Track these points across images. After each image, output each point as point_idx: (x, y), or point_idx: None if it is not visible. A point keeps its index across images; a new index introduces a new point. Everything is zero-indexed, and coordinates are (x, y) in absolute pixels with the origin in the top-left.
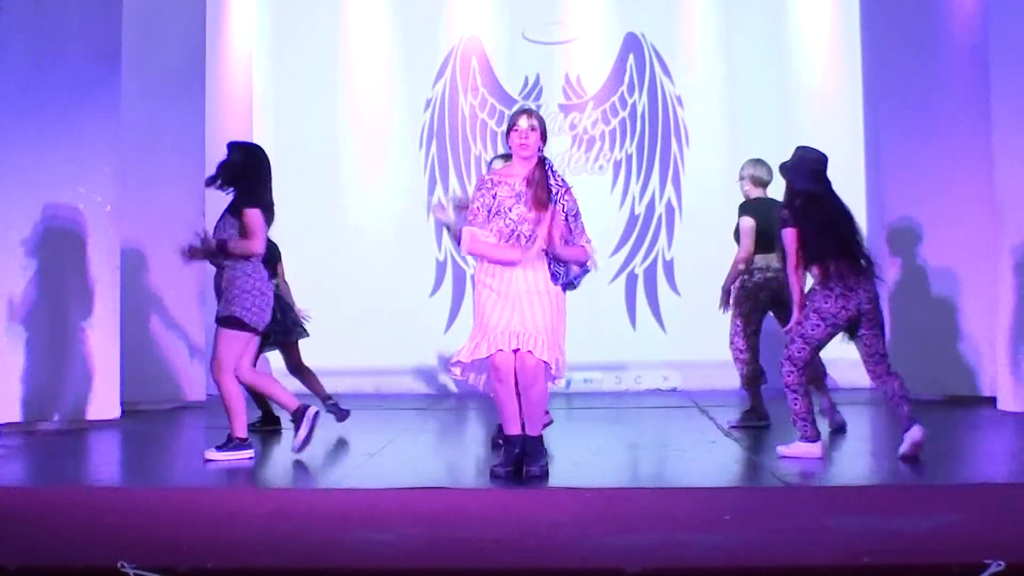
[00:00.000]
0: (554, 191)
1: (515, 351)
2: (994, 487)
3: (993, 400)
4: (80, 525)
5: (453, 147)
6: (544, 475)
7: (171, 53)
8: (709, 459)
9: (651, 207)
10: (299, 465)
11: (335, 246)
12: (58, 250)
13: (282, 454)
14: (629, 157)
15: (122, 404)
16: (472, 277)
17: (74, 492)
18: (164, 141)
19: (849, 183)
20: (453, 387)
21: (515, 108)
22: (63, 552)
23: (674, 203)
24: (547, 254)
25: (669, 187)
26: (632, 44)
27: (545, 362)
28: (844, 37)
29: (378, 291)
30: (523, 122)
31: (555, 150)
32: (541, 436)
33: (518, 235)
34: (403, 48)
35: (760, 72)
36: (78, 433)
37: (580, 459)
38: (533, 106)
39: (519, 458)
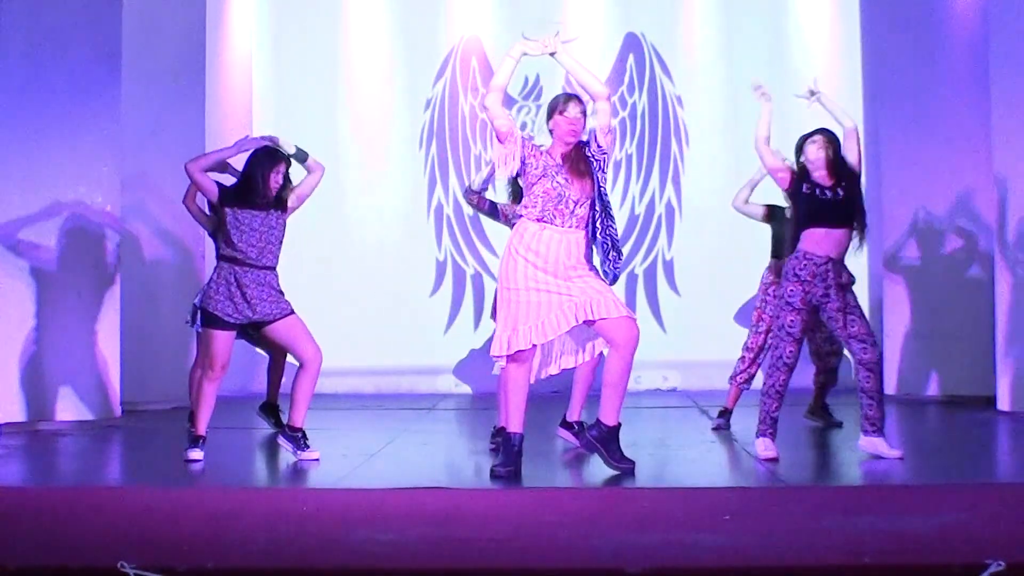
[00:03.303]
0: (594, 165)
1: (588, 322)
2: (994, 487)
3: (993, 400)
4: (80, 525)
5: (453, 147)
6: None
7: (171, 53)
8: (709, 459)
9: (651, 207)
10: (299, 465)
11: (335, 246)
12: (58, 250)
13: (282, 454)
14: (629, 157)
15: (122, 404)
16: (510, 247)
17: (74, 492)
18: (164, 141)
19: None
20: (453, 387)
21: (557, 96)
22: (63, 552)
23: (674, 203)
24: (590, 243)
25: (669, 187)
26: (632, 44)
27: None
28: (844, 37)
29: (378, 291)
30: (573, 109)
31: None
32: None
33: (566, 200)
34: (403, 48)
35: (760, 72)
36: (78, 433)
37: (580, 459)
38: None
39: (519, 458)
